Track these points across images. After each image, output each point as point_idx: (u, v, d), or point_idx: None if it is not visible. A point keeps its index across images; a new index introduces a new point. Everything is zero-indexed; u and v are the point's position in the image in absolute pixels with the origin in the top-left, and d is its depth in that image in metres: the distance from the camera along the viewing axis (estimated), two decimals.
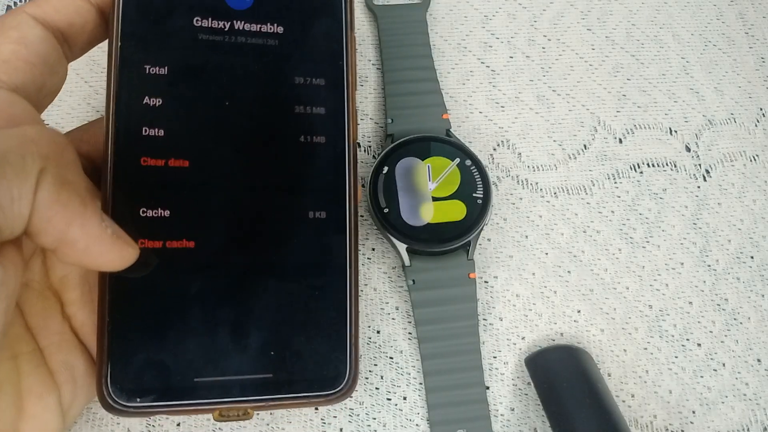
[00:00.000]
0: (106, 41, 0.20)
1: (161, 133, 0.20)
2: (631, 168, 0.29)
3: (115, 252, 0.17)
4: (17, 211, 0.15)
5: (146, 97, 0.20)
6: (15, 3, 0.30)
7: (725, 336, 0.27)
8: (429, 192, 0.26)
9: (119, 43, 0.20)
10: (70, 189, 0.16)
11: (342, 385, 0.20)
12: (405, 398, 0.25)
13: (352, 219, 0.21)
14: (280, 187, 0.21)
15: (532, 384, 0.25)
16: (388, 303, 0.27)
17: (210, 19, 0.21)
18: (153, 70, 0.20)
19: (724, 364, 0.27)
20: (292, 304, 0.20)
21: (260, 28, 0.21)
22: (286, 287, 0.20)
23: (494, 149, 0.29)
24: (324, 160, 0.21)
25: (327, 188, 0.21)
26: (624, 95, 0.31)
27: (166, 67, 0.20)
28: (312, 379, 0.20)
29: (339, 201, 0.21)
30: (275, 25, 0.21)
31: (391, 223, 0.25)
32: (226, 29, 0.21)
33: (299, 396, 0.20)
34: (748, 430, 0.26)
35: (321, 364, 0.20)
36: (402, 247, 0.25)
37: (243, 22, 0.21)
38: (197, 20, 0.21)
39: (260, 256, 0.20)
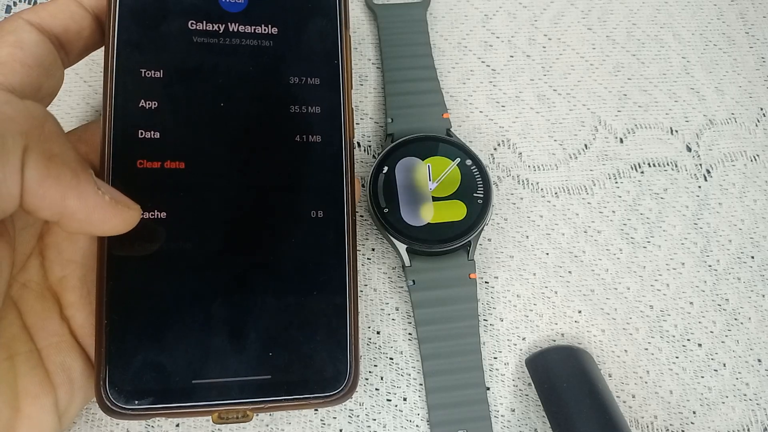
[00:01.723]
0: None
1: (157, 135, 0.20)
2: (632, 168, 0.29)
3: (118, 217, 0.17)
4: (5, 191, 0.15)
5: (142, 100, 0.20)
6: (15, 2, 0.30)
7: (726, 336, 0.27)
8: (429, 192, 0.26)
9: (115, 48, 0.20)
10: (59, 162, 0.16)
11: (342, 387, 0.20)
12: (405, 399, 0.25)
13: (351, 218, 0.21)
14: (277, 187, 0.21)
15: (532, 385, 0.25)
16: (388, 303, 0.27)
17: (204, 21, 0.21)
18: (149, 74, 0.20)
19: (724, 365, 0.27)
20: (290, 304, 0.20)
21: (254, 29, 0.21)
22: (284, 288, 0.20)
23: (495, 149, 0.29)
24: (320, 159, 0.21)
25: (324, 187, 0.21)
26: (625, 95, 0.31)
27: (161, 71, 0.20)
28: (312, 381, 0.20)
29: (336, 200, 0.21)
30: (269, 26, 0.21)
31: (391, 223, 0.25)
32: (221, 31, 0.21)
33: (299, 398, 0.19)
34: (748, 430, 0.26)
35: (321, 365, 0.20)
36: (402, 247, 0.25)
37: (237, 24, 0.21)
38: (192, 23, 0.21)
39: (258, 256, 0.20)
